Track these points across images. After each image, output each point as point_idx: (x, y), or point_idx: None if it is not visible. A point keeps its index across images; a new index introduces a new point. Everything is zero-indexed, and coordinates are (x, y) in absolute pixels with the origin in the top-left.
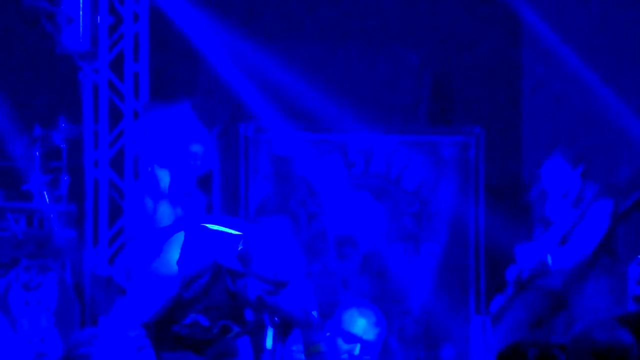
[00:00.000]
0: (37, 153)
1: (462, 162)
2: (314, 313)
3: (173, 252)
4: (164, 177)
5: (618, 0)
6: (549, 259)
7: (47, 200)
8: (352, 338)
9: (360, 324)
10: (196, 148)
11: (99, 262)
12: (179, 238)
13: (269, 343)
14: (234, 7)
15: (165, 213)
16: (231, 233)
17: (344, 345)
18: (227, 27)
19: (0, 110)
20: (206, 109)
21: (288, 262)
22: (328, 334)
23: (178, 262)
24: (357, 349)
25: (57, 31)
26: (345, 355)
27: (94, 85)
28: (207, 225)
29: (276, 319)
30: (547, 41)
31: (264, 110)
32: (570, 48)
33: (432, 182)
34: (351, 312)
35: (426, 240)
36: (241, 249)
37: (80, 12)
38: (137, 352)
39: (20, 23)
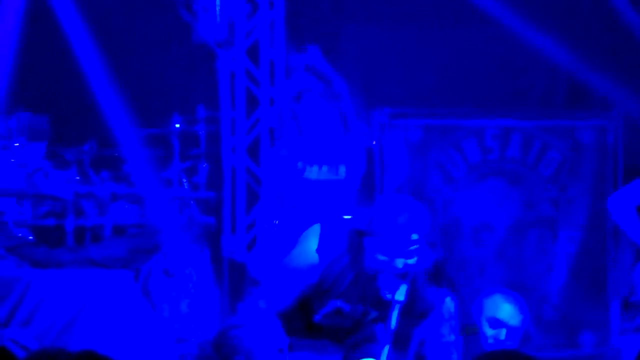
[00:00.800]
0: (177, 141)
1: (600, 147)
2: (448, 301)
3: (311, 242)
4: None
5: None
6: None
7: (187, 187)
8: (498, 323)
9: (506, 310)
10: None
11: (237, 249)
12: (316, 229)
13: (393, 323)
14: None
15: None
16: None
17: (489, 331)
18: (359, 11)
19: (141, 99)
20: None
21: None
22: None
23: (317, 251)
24: (503, 334)
25: (194, 20)
26: (491, 340)
27: (231, 73)
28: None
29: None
30: None
31: (399, 96)
32: None
33: (570, 167)
34: (495, 297)
35: (564, 226)
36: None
37: (217, 1)
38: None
39: (158, 12)
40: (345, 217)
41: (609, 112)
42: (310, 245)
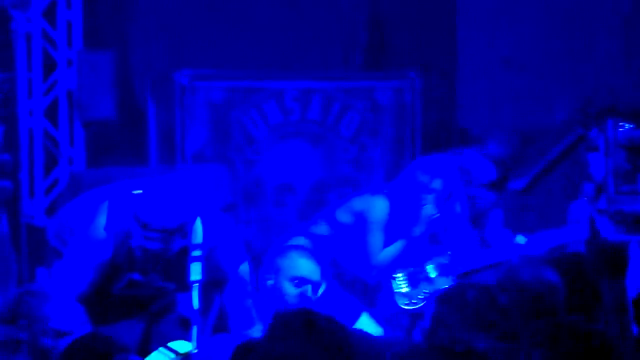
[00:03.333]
0: None
1: (398, 108)
2: (243, 267)
3: (100, 219)
4: None
5: None
6: None
7: None
8: (302, 281)
9: (306, 266)
10: None
11: (35, 213)
12: (105, 205)
13: (195, 302)
14: None
15: None
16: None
17: (293, 290)
18: None
19: None
20: (141, 57)
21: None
22: (271, 281)
23: (105, 228)
24: (309, 291)
25: None
26: (295, 300)
27: (27, 34)
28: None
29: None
30: None
31: (200, 58)
32: None
33: (370, 128)
34: (291, 255)
35: (365, 186)
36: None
37: None
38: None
39: None
40: (135, 192)
41: (406, 73)
42: (99, 222)
